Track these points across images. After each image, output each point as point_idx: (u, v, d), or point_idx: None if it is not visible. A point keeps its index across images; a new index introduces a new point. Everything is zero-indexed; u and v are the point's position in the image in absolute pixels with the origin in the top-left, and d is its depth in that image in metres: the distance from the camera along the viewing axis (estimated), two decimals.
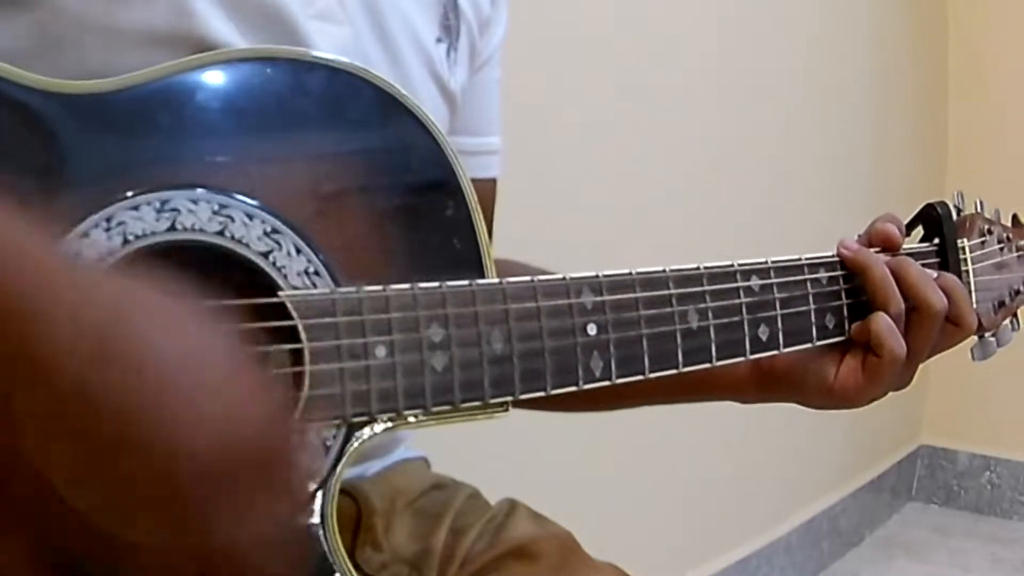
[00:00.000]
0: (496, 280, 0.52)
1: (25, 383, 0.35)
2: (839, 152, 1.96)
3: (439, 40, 0.65)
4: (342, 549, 0.49)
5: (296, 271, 0.49)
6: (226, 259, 0.48)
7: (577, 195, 1.40)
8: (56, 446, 0.35)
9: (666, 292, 0.57)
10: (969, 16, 2.21)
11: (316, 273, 0.49)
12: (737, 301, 0.59)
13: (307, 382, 0.47)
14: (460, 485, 0.74)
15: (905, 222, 0.69)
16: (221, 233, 0.48)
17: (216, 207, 0.48)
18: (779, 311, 0.61)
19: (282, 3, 0.55)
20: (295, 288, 0.48)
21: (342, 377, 0.48)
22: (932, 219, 0.70)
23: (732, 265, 0.60)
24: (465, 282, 0.51)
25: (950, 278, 0.64)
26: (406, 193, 0.53)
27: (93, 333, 0.35)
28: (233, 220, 0.48)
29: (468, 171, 0.55)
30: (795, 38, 1.82)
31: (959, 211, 0.72)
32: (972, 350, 0.72)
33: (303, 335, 0.47)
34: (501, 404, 0.52)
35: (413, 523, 0.69)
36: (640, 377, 0.56)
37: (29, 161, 0.45)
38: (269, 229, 0.49)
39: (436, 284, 0.50)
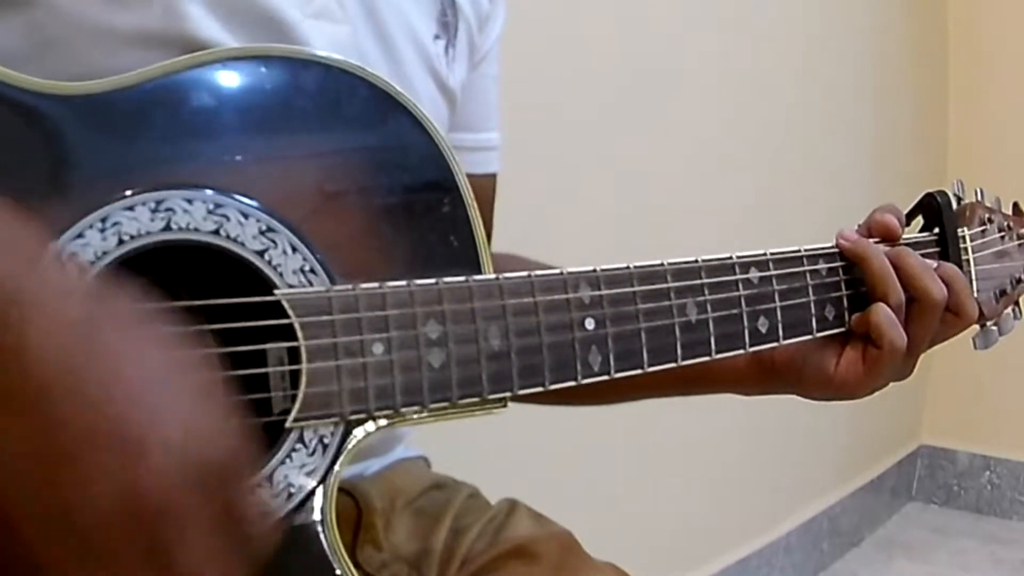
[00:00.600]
0: (493, 276, 0.52)
1: (5, 361, 0.35)
2: (839, 146, 1.96)
3: (437, 37, 0.64)
4: (342, 548, 0.49)
5: (292, 269, 0.49)
6: (222, 258, 0.48)
7: (577, 193, 1.40)
8: (22, 437, 0.35)
9: (664, 285, 0.56)
10: (969, 10, 2.20)
11: (312, 271, 0.49)
12: (736, 293, 0.59)
13: (304, 380, 0.47)
14: (460, 485, 0.74)
15: (905, 212, 0.69)
16: (216, 232, 0.48)
17: (211, 206, 0.48)
18: (778, 303, 0.61)
19: (278, 3, 0.55)
20: (291, 286, 0.48)
21: (339, 375, 0.48)
22: (932, 208, 0.69)
23: (731, 258, 0.59)
24: (462, 278, 0.51)
25: (950, 268, 0.64)
26: (402, 190, 0.53)
27: (78, 329, 0.36)
28: (228, 219, 0.48)
29: (468, 167, 0.55)
30: (795, 30, 1.81)
31: (959, 200, 0.72)
32: (974, 339, 0.72)
33: (299, 333, 0.47)
34: (499, 400, 0.52)
35: (413, 523, 0.69)
36: (639, 371, 0.55)
37: (24, 162, 0.45)
38: (264, 228, 0.49)
39: (433, 281, 0.50)
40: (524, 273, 0.53)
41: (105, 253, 0.46)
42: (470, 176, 0.54)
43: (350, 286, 0.49)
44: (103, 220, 0.46)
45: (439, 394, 0.50)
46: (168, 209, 0.47)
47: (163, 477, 0.36)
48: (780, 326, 0.61)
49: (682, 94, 1.57)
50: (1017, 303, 0.74)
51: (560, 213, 1.35)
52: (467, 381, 0.51)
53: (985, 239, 0.71)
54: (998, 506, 2.22)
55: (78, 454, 0.35)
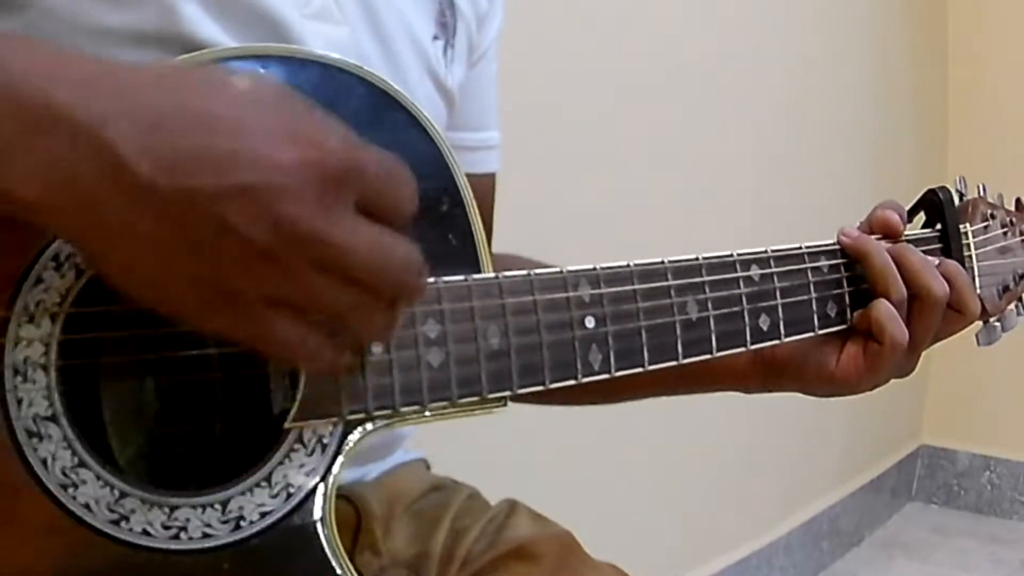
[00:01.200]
0: (492, 275, 0.52)
1: (110, 178, 0.38)
2: (839, 146, 1.96)
3: (436, 38, 0.64)
4: (341, 547, 0.49)
5: None
6: None
7: (577, 193, 1.40)
8: (152, 229, 0.38)
9: (664, 283, 0.56)
10: (969, 10, 2.20)
11: None
12: (737, 291, 0.59)
13: (303, 380, 0.47)
14: (459, 486, 0.74)
15: (907, 208, 0.69)
16: None
17: None
18: (780, 300, 0.60)
19: (276, 4, 0.54)
20: None
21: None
22: (934, 204, 0.69)
23: (731, 255, 0.59)
24: (461, 277, 0.51)
25: (952, 265, 0.64)
26: None
27: (155, 111, 0.39)
28: None
29: (467, 166, 0.55)
30: (795, 31, 1.81)
31: (961, 196, 0.72)
32: (977, 335, 0.71)
33: None
34: (499, 399, 0.52)
35: (412, 525, 0.68)
36: (639, 370, 0.55)
37: None
38: None
39: (431, 280, 0.50)
40: (523, 272, 0.52)
41: None
42: (469, 175, 0.54)
43: None
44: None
45: (438, 393, 0.50)
46: None
47: (299, 199, 0.39)
48: (782, 323, 0.60)
49: (682, 94, 1.57)
50: (1020, 299, 0.74)
51: (560, 213, 1.35)
52: (466, 380, 0.50)
53: (987, 235, 0.71)
54: (998, 506, 2.22)
55: (216, 217, 0.38)
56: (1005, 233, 0.72)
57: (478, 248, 0.53)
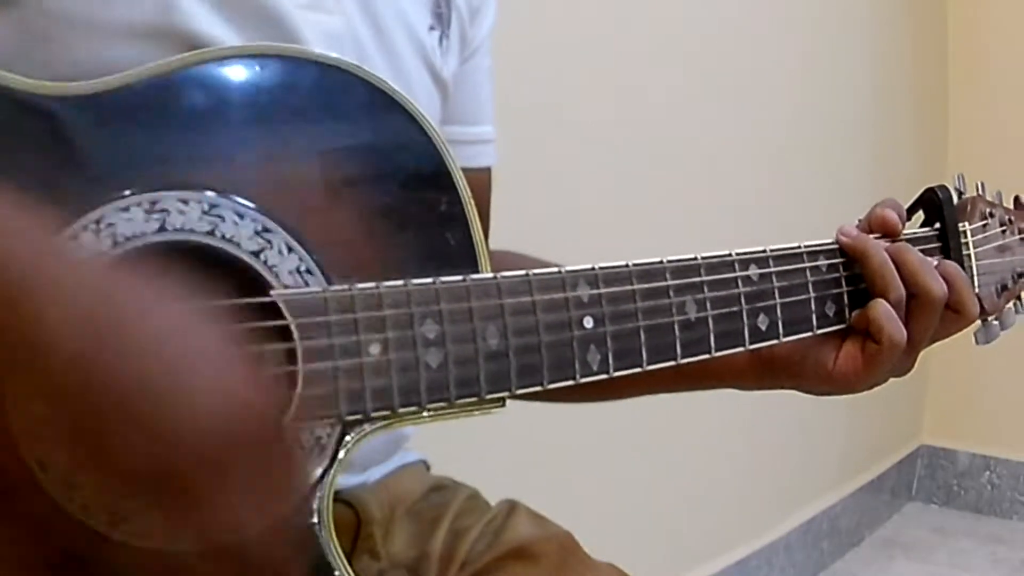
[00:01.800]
0: (490, 275, 0.52)
1: (22, 363, 0.35)
2: (839, 146, 1.96)
3: (432, 28, 0.64)
4: (340, 549, 0.49)
5: (288, 270, 0.49)
6: (217, 259, 0.48)
7: (577, 193, 1.40)
8: (51, 430, 0.36)
9: (663, 283, 0.56)
10: (969, 10, 2.20)
11: (308, 271, 0.49)
12: (736, 291, 0.59)
13: (300, 381, 0.47)
14: (459, 486, 0.74)
15: (906, 207, 0.69)
16: (211, 233, 0.47)
17: (206, 207, 0.47)
18: (778, 300, 0.60)
19: None
20: (287, 287, 0.48)
21: (336, 375, 0.47)
22: (932, 203, 0.69)
23: (730, 255, 0.59)
24: (459, 277, 0.51)
25: (951, 265, 0.63)
26: (398, 189, 0.53)
27: (89, 312, 0.36)
28: (223, 219, 0.48)
29: (462, 160, 0.55)
30: (795, 30, 1.81)
31: (960, 194, 0.72)
32: (976, 334, 0.71)
33: (296, 334, 0.47)
34: (498, 400, 0.52)
35: (412, 527, 0.68)
36: (638, 370, 0.55)
37: (17, 163, 0.45)
38: (260, 228, 0.48)
39: (430, 280, 0.50)
40: (522, 272, 0.52)
41: (100, 254, 0.45)
42: (465, 170, 0.54)
43: (346, 286, 0.48)
44: (97, 221, 0.46)
45: (437, 394, 0.50)
46: (163, 210, 0.47)
47: (198, 434, 0.36)
48: (780, 323, 0.60)
49: (682, 94, 1.57)
50: (1019, 297, 0.74)
51: (560, 212, 1.35)
52: (465, 381, 0.50)
53: (986, 233, 0.70)
54: (998, 506, 2.22)
55: (112, 423, 0.36)
56: (1004, 231, 0.72)
57: (476, 248, 0.53)
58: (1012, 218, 0.74)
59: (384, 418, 0.49)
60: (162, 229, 0.47)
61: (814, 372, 0.63)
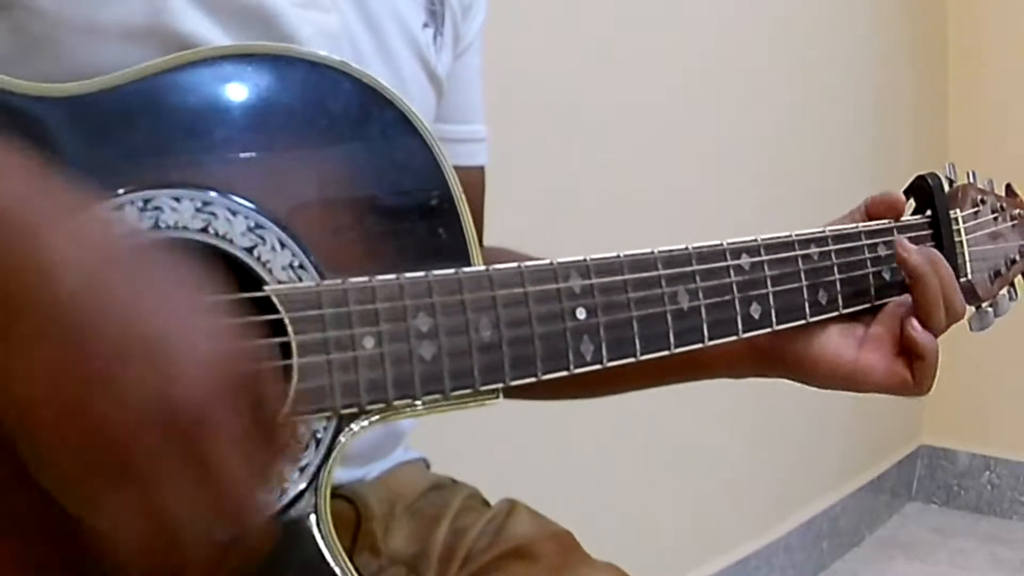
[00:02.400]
0: (483, 267, 0.52)
1: (31, 286, 0.36)
2: (839, 146, 1.96)
3: (425, 26, 0.65)
4: (337, 542, 0.49)
5: (281, 265, 0.49)
6: (210, 256, 0.48)
7: (576, 193, 1.40)
8: (55, 357, 0.36)
9: (655, 273, 0.56)
10: (969, 10, 2.20)
11: (301, 267, 0.49)
12: (727, 280, 0.59)
13: (295, 375, 0.47)
14: (459, 485, 0.74)
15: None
16: (204, 230, 0.48)
17: (199, 204, 0.48)
18: (770, 289, 0.60)
19: None
20: (280, 282, 0.48)
21: (330, 369, 0.48)
22: (923, 191, 0.69)
23: (721, 244, 0.59)
24: (451, 270, 0.51)
25: (935, 254, 0.64)
26: (390, 185, 0.53)
27: (97, 248, 0.37)
28: (216, 217, 0.48)
29: (455, 159, 0.55)
30: (795, 30, 1.81)
31: (951, 182, 0.72)
32: (970, 321, 0.71)
33: (289, 328, 0.47)
34: (492, 391, 0.52)
35: (412, 525, 0.68)
36: (632, 360, 0.55)
37: None
38: (253, 224, 0.49)
39: (422, 273, 0.50)
40: (514, 264, 0.53)
41: None
42: (457, 168, 0.54)
43: (339, 280, 0.49)
44: None
45: (431, 386, 0.50)
46: (156, 208, 0.47)
47: (195, 386, 0.37)
48: (773, 311, 0.61)
49: (682, 93, 1.57)
50: (1012, 284, 0.74)
51: (557, 212, 1.35)
52: (459, 373, 0.50)
53: (978, 220, 0.71)
54: (998, 506, 2.21)
55: (109, 370, 0.36)
56: (996, 219, 0.73)
57: (468, 241, 0.53)
58: (1004, 205, 0.74)
59: (379, 411, 0.50)
60: (156, 227, 0.47)
61: (831, 369, 0.63)
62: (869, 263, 0.64)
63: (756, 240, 0.61)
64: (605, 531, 0.82)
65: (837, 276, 0.63)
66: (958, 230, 0.69)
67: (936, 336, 0.62)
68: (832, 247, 0.63)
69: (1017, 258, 0.73)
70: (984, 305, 0.71)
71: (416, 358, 0.49)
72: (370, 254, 0.51)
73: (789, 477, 1.92)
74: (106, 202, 0.46)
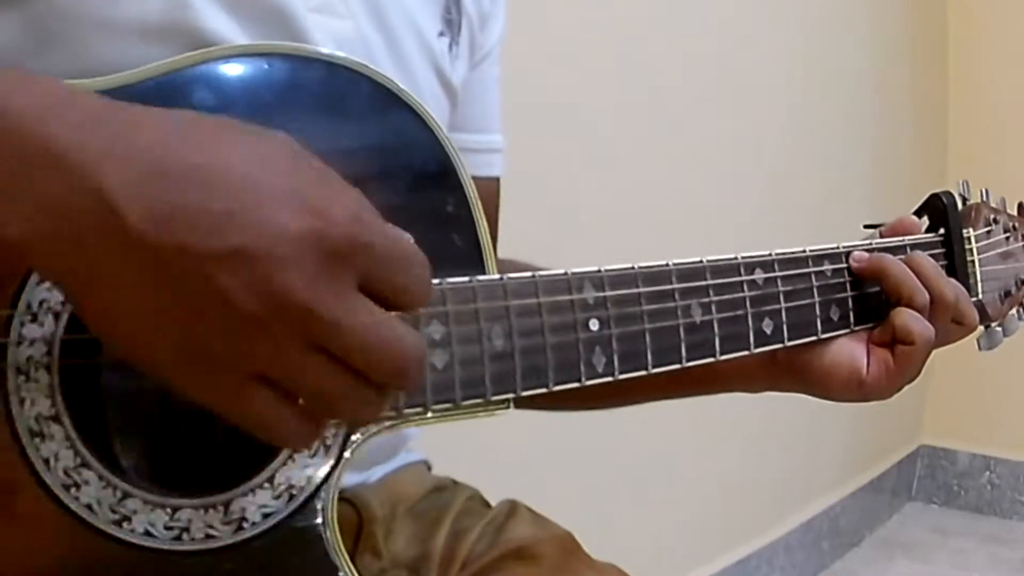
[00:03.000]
0: (497, 276, 0.52)
1: (98, 221, 0.36)
2: (839, 146, 1.96)
3: (441, 34, 0.64)
4: (343, 549, 0.49)
5: None
6: None
7: (578, 195, 1.40)
8: (139, 286, 0.36)
9: (669, 287, 0.56)
10: (969, 10, 2.20)
11: None
12: (741, 295, 0.59)
13: None
14: (460, 487, 0.74)
15: (911, 212, 0.69)
16: None
17: None
18: (783, 304, 0.60)
19: None
20: None
21: None
22: (937, 209, 0.69)
23: (735, 258, 0.59)
24: (466, 279, 0.51)
25: (951, 281, 0.64)
26: (406, 189, 0.53)
27: (151, 156, 0.37)
28: None
29: (471, 169, 0.55)
30: (795, 31, 1.81)
31: (964, 200, 0.72)
32: (979, 340, 0.71)
33: None
34: (503, 401, 0.52)
35: (413, 526, 0.68)
36: (643, 372, 0.55)
37: None
38: None
39: (436, 281, 0.50)
40: (528, 274, 0.52)
41: None
42: (473, 178, 0.54)
43: None
44: None
45: (442, 395, 0.50)
46: None
47: (302, 266, 0.37)
48: (785, 327, 0.60)
49: (683, 96, 1.57)
50: (1021, 304, 0.74)
51: (564, 217, 1.35)
52: (470, 382, 0.50)
53: (990, 240, 0.71)
54: (998, 506, 2.22)
55: (201, 284, 0.36)
56: (1007, 238, 0.73)
57: (483, 249, 0.53)
58: (1016, 224, 0.74)
59: (390, 418, 0.49)
60: None
61: (846, 380, 0.63)
62: None
63: (770, 255, 0.60)
64: (605, 532, 0.82)
65: (849, 293, 0.63)
66: (970, 249, 0.69)
67: (934, 331, 0.62)
68: (846, 264, 0.63)
69: None
70: (993, 325, 0.71)
71: (428, 366, 0.49)
72: None
73: (789, 477, 1.93)
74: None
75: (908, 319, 0.61)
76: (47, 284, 0.44)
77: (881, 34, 2.06)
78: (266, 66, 0.51)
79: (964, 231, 0.69)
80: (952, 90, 2.25)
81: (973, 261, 0.69)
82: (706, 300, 0.57)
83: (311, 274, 0.37)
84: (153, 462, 0.50)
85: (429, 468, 0.76)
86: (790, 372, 0.64)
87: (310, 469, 0.48)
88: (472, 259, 0.53)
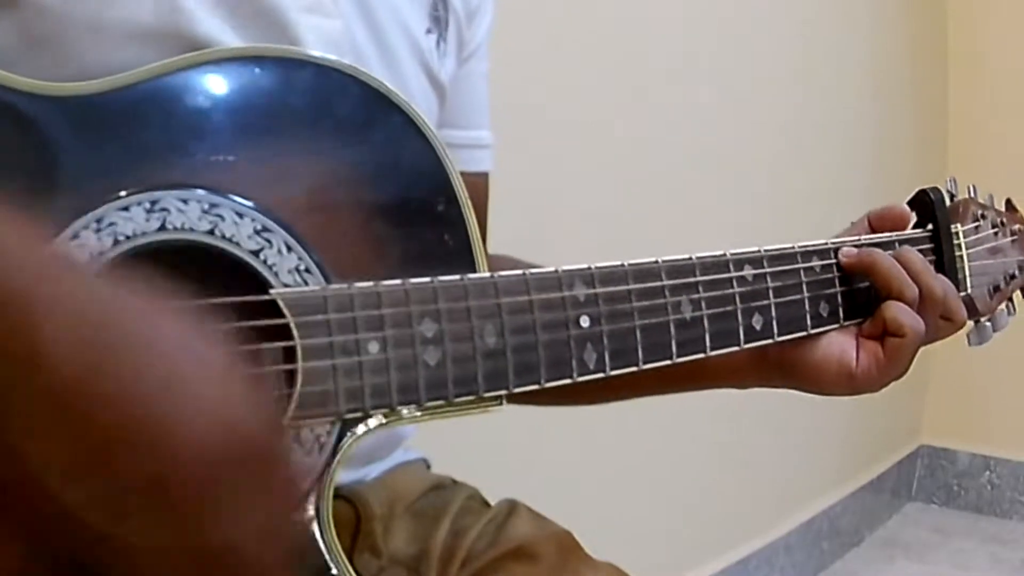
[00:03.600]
0: (488, 274, 0.52)
1: (24, 373, 0.34)
2: (839, 146, 1.96)
3: (429, 31, 0.65)
4: (339, 547, 0.49)
5: (287, 269, 0.49)
6: (217, 258, 0.48)
7: (576, 195, 1.40)
8: (51, 441, 0.35)
9: (659, 283, 0.57)
10: (969, 10, 2.21)
11: (307, 271, 0.49)
12: (730, 291, 0.59)
13: (300, 379, 0.47)
14: (460, 486, 0.74)
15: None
16: (211, 232, 0.48)
17: (206, 206, 0.48)
18: (773, 300, 0.61)
19: None
20: (286, 286, 0.49)
21: (335, 373, 0.48)
22: (925, 205, 0.70)
23: (725, 255, 0.60)
24: (457, 277, 0.51)
25: (940, 277, 0.65)
26: (396, 190, 0.53)
27: (93, 325, 0.36)
28: (223, 219, 0.48)
29: (459, 164, 0.55)
30: (795, 30, 1.82)
31: (952, 197, 0.72)
32: (968, 335, 0.72)
33: (295, 332, 0.47)
34: (495, 398, 0.52)
35: (412, 525, 0.69)
36: (634, 369, 0.55)
37: (17, 164, 0.45)
38: (260, 227, 0.49)
39: (428, 279, 0.50)
40: (519, 271, 0.53)
41: (101, 253, 0.46)
42: (462, 174, 0.54)
43: (345, 285, 0.49)
44: (98, 221, 0.46)
45: (435, 392, 0.50)
46: (163, 209, 0.47)
47: (199, 463, 0.36)
48: (775, 323, 0.61)
49: (681, 95, 1.57)
50: (1011, 299, 0.75)
51: (559, 216, 1.36)
52: (463, 379, 0.51)
53: (979, 235, 0.71)
54: (998, 506, 2.22)
55: (111, 451, 0.35)
56: (996, 234, 0.73)
57: (473, 248, 0.54)
58: (1004, 220, 0.74)
59: (383, 416, 0.50)
60: (162, 228, 0.47)
61: (836, 374, 0.63)
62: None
63: (759, 251, 0.61)
64: (605, 531, 0.82)
65: (839, 288, 0.64)
66: (959, 244, 0.69)
67: (924, 323, 0.62)
68: (834, 260, 0.64)
69: (1016, 273, 0.74)
70: (983, 320, 0.72)
71: (421, 364, 0.50)
72: (376, 259, 0.52)
73: (789, 477, 1.93)
74: (112, 203, 0.46)
75: (899, 312, 0.61)
76: None
77: (881, 34, 2.07)
78: (257, 69, 0.51)
79: (952, 226, 0.69)
80: (952, 89, 2.26)
81: (961, 256, 0.69)
82: (696, 296, 0.58)
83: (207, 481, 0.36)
84: None
85: (428, 467, 0.76)
86: (780, 367, 0.64)
87: (305, 466, 0.49)
88: (463, 258, 0.53)
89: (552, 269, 0.54)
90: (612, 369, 0.55)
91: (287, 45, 0.54)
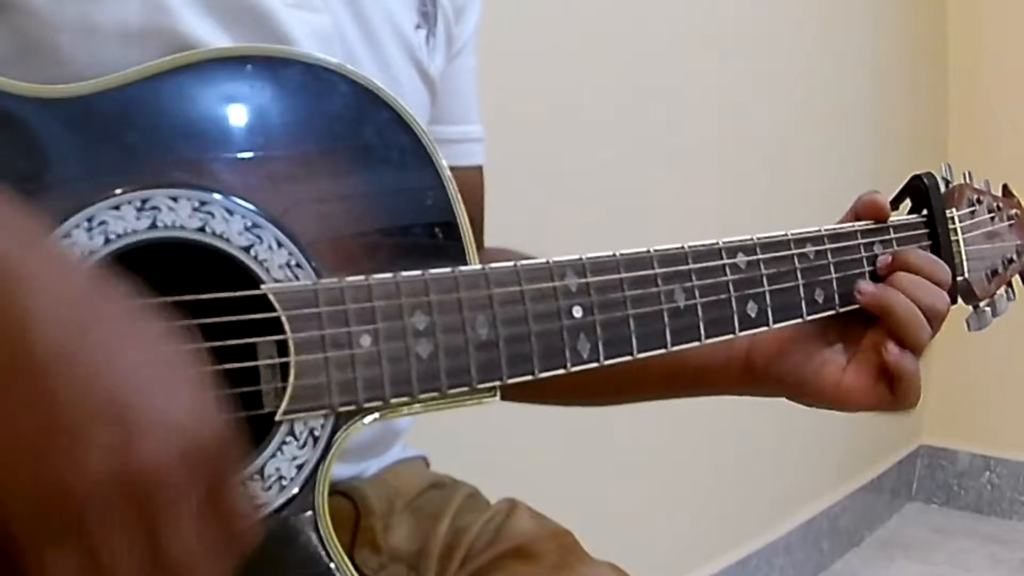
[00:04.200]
0: (479, 266, 0.52)
1: (5, 343, 0.35)
2: (839, 145, 1.96)
3: (418, 27, 0.65)
4: (335, 539, 0.49)
5: (278, 264, 0.49)
6: (208, 255, 0.48)
7: (577, 195, 1.40)
8: (11, 425, 0.36)
9: (651, 272, 0.56)
10: (969, 10, 2.21)
11: (298, 266, 0.50)
12: (724, 279, 0.59)
13: (292, 372, 0.48)
14: (459, 484, 0.74)
15: (893, 195, 0.69)
16: (202, 229, 0.48)
17: (196, 204, 0.48)
18: (767, 287, 0.61)
19: None
20: (277, 281, 0.49)
21: (327, 366, 0.48)
22: (919, 190, 0.69)
23: (716, 243, 0.59)
24: (447, 269, 0.51)
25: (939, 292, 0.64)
26: (386, 185, 0.54)
27: (73, 305, 0.37)
28: (213, 216, 0.49)
29: (451, 159, 0.56)
30: (795, 30, 1.82)
31: (947, 183, 0.72)
32: (967, 320, 0.72)
33: (287, 326, 0.48)
34: (489, 389, 0.52)
35: (412, 523, 0.68)
36: (629, 358, 0.55)
37: (9, 165, 0.46)
38: (250, 224, 0.49)
39: (419, 272, 0.50)
40: (510, 263, 0.53)
41: (92, 252, 0.46)
42: (455, 168, 0.55)
43: (336, 279, 0.49)
44: (89, 220, 0.46)
45: (428, 384, 0.50)
46: (153, 207, 0.48)
47: (157, 454, 0.36)
48: (769, 310, 0.61)
49: (682, 94, 1.58)
50: (1010, 284, 0.74)
51: (558, 213, 1.36)
52: (456, 371, 0.51)
53: (974, 220, 0.71)
54: (998, 506, 2.21)
55: (74, 427, 0.36)
56: (992, 218, 0.73)
57: (464, 241, 0.54)
58: (1000, 205, 0.74)
59: (377, 409, 0.50)
60: (153, 226, 0.47)
61: (831, 396, 0.63)
62: (865, 262, 0.64)
63: (752, 239, 0.61)
64: (605, 531, 0.82)
65: (833, 275, 0.63)
66: (954, 229, 0.69)
67: (922, 345, 0.62)
68: (828, 246, 0.63)
69: (1014, 257, 0.74)
70: (982, 305, 0.72)
71: (413, 356, 0.50)
72: (367, 253, 0.52)
73: (789, 477, 1.92)
74: (103, 202, 0.47)
75: (897, 359, 0.61)
76: None
77: (881, 34, 2.07)
78: (246, 68, 0.52)
79: (947, 211, 0.69)
80: (952, 89, 2.25)
81: (958, 240, 0.69)
82: (689, 285, 0.58)
83: (166, 478, 0.37)
84: None
85: (427, 464, 0.76)
86: (768, 378, 0.64)
87: (300, 460, 0.49)
88: (454, 251, 0.53)
89: (543, 260, 0.54)
90: (606, 359, 0.55)
91: (276, 44, 0.55)
